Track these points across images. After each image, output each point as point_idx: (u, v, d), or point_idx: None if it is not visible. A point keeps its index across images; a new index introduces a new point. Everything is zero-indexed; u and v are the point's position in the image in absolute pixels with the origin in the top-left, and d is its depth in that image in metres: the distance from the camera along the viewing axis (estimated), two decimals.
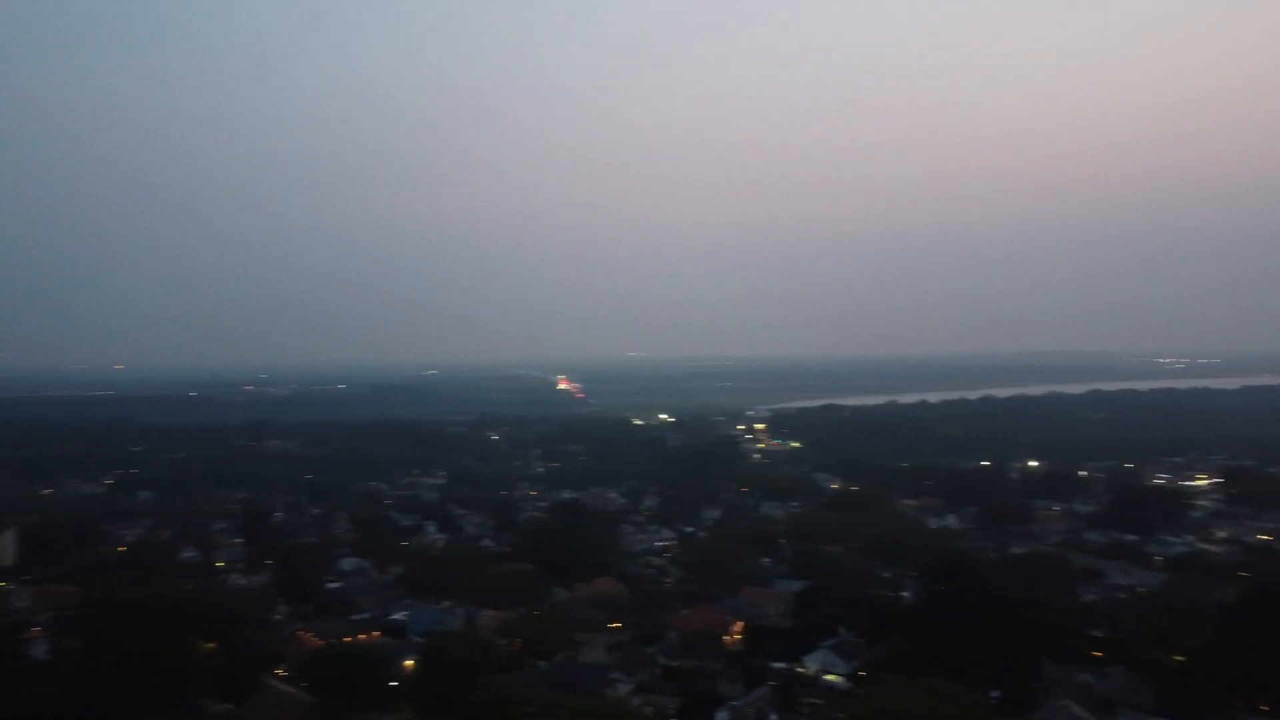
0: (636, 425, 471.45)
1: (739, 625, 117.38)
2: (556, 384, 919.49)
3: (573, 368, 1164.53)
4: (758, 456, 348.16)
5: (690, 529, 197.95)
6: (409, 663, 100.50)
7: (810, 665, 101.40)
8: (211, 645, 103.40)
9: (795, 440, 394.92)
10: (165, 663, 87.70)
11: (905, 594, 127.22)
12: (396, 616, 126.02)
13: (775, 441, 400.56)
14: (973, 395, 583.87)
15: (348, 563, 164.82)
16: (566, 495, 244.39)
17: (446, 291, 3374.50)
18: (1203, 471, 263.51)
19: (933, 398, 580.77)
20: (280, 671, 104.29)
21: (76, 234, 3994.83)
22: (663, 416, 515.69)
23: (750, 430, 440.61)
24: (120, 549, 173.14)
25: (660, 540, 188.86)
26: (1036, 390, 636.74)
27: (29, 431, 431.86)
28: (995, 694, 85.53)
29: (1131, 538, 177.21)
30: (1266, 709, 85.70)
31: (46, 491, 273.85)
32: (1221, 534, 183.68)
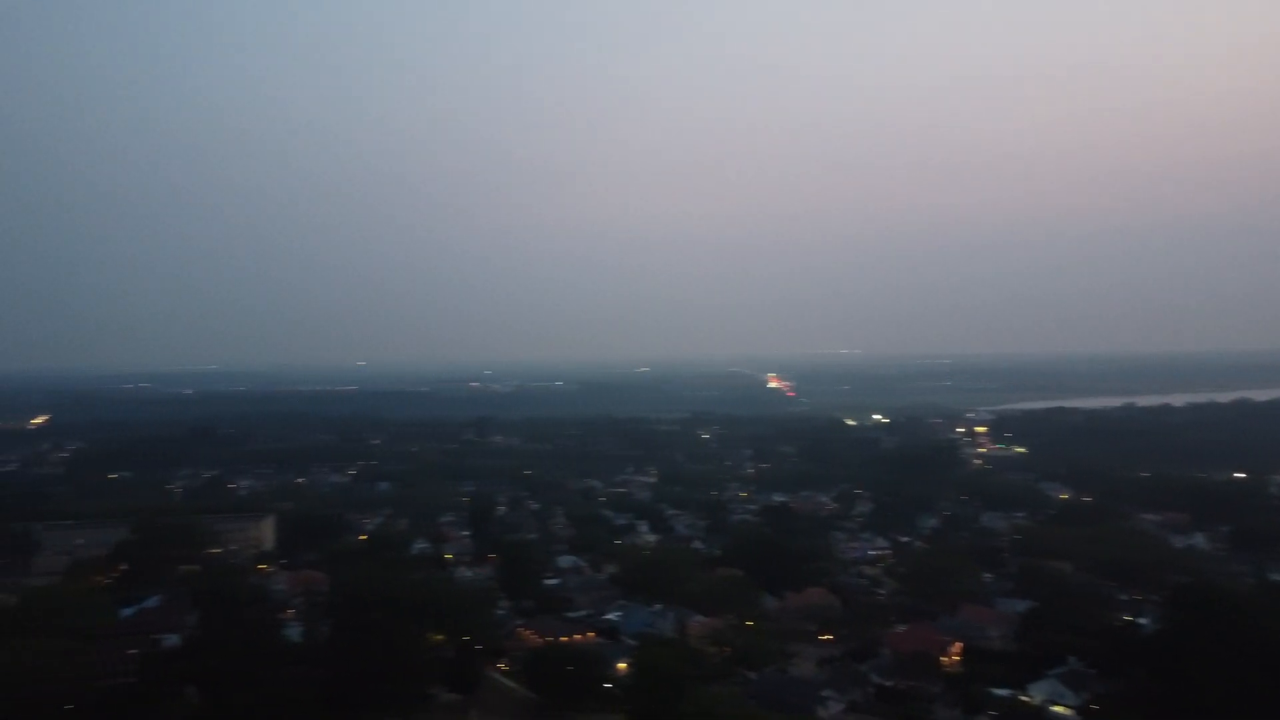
0: (849, 426, 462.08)
1: (958, 646, 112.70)
2: (767, 382, 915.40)
3: (784, 365, 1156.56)
4: (978, 462, 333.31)
5: (905, 538, 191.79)
6: (621, 665, 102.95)
7: (1035, 695, 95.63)
8: (441, 636, 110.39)
9: (1020, 445, 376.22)
10: (401, 651, 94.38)
11: (1144, 622, 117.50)
12: (610, 616, 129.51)
13: (998, 446, 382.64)
14: (1225, 398, 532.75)
15: (564, 560, 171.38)
16: (777, 498, 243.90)
17: (664, 290, 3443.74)
18: None
19: (1177, 400, 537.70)
20: (502, 666, 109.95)
21: (340, 246, 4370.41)
22: (876, 417, 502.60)
23: (970, 433, 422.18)
24: (361, 537, 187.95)
25: (873, 549, 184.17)
26: None
27: (287, 425, 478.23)
28: None
29: None
30: None
31: (300, 481, 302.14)
32: None
